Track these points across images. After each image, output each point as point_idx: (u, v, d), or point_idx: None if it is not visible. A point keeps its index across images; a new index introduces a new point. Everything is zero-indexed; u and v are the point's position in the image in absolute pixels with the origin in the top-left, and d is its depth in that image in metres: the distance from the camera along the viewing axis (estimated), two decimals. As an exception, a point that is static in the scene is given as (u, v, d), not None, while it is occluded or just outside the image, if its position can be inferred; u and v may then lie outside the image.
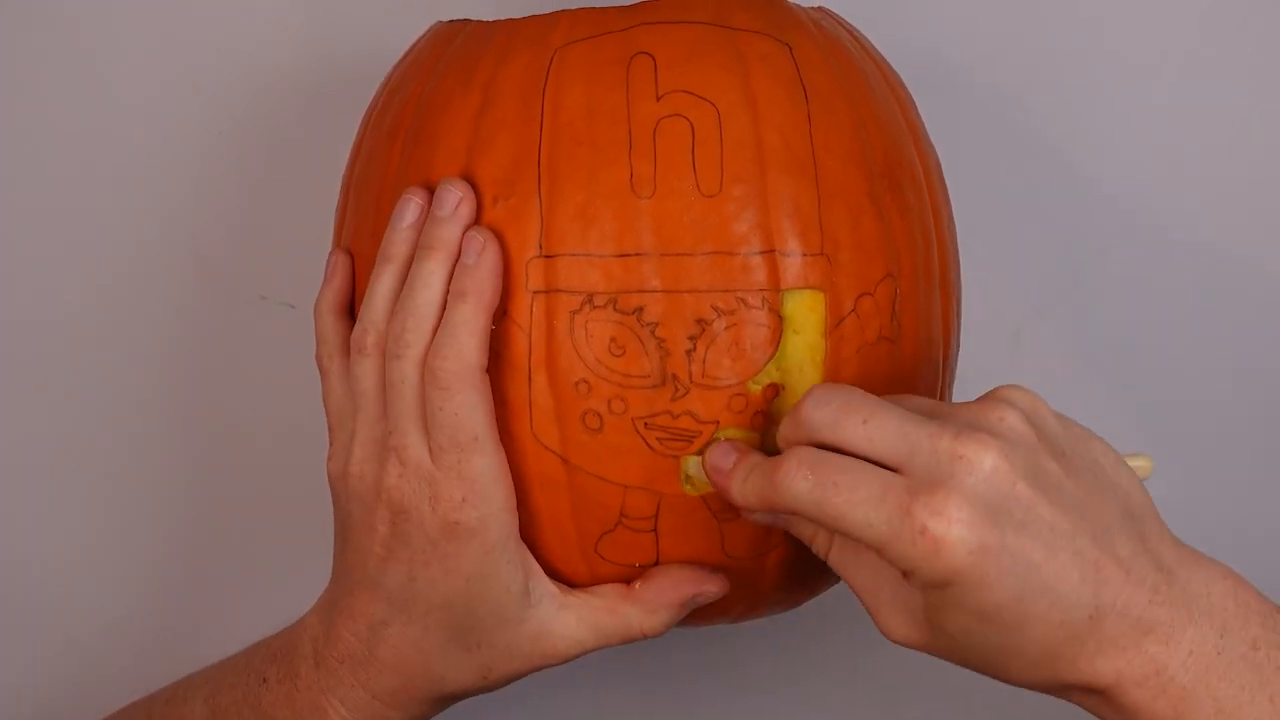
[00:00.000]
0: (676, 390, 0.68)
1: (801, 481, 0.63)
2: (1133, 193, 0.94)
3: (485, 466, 0.69)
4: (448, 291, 0.69)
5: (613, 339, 0.68)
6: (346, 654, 0.74)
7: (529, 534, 0.72)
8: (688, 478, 0.69)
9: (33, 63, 0.92)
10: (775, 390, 0.69)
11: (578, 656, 0.73)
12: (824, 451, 0.64)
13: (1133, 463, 0.67)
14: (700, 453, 0.69)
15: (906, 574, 0.62)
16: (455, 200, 0.69)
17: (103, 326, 0.94)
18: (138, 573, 0.95)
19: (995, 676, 0.66)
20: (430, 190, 0.71)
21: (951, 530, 0.60)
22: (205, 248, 0.93)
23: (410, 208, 0.71)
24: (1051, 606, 0.62)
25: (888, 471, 0.62)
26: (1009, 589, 0.61)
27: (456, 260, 0.69)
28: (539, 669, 0.74)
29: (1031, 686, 0.65)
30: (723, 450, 0.68)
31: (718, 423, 0.68)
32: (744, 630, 0.86)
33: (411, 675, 0.73)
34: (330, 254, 0.76)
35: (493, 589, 0.71)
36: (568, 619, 0.72)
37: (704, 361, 0.68)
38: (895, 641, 0.66)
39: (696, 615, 0.75)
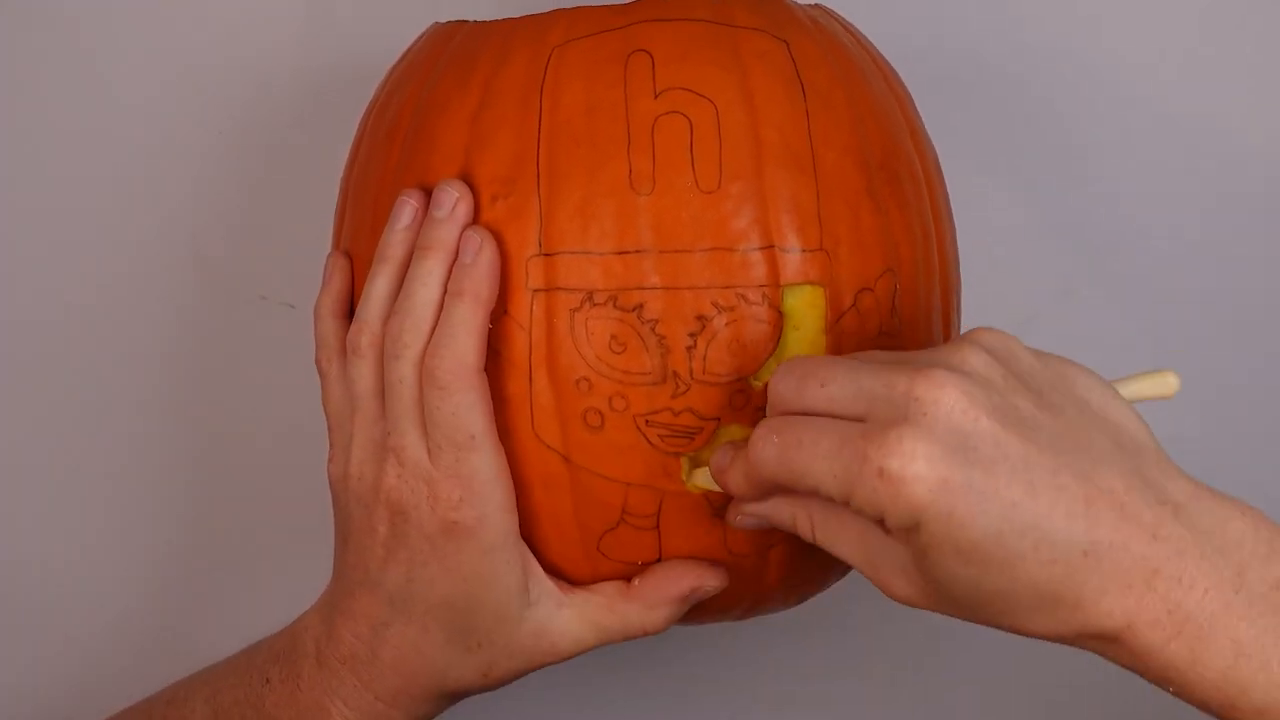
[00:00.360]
0: (677, 387, 0.68)
1: (769, 447, 0.63)
2: (1133, 191, 0.94)
3: (482, 466, 0.69)
4: (445, 292, 0.69)
5: (613, 336, 0.68)
6: (349, 655, 0.74)
7: (530, 533, 0.72)
8: (690, 477, 0.70)
9: (33, 63, 0.92)
10: (776, 386, 0.69)
11: (578, 654, 0.73)
12: (790, 416, 0.63)
13: (1158, 379, 0.65)
14: (694, 453, 0.69)
15: (881, 523, 0.61)
16: (452, 201, 0.69)
17: (103, 326, 0.94)
18: (138, 572, 0.95)
19: (1004, 627, 0.63)
20: (427, 192, 0.71)
21: (908, 467, 0.59)
22: (205, 248, 0.93)
23: (406, 210, 0.71)
24: (1038, 544, 0.59)
25: (844, 424, 0.61)
26: (984, 526, 0.59)
27: (454, 260, 0.69)
28: (540, 667, 0.74)
29: (1044, 636, 0.62)
30: (722, 451, 0.68)
31: (719, 419, 0.68)
32: (746, 629, 0.86)
33: (413, 675, 0.73)
34: (329, 257, 0.76)
35: (491, 589, 0.71)
36: (567, 617, 0.72)
37: (705, 358, 0.68)
38: (899, 601, 0.64)
39: (699, 613, 0.75)
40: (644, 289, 0.67)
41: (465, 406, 0.68)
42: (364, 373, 0.71)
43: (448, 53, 0.74)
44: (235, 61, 0.93)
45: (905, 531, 0.61)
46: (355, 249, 0.75)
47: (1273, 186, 0.95)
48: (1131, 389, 0.66)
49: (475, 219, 0.69)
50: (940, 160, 0.78)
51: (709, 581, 0.72)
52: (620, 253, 0.67)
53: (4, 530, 0.95)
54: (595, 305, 0.67)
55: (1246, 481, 0.96)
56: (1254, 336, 0.96)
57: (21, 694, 0.95)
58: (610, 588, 0.73)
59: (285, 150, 0.93)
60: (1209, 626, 0.60)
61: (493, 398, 0.69)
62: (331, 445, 0.74)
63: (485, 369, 0.69)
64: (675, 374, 0.68)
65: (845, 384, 0.62)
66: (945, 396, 0.59)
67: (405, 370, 0.69)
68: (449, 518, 0.69)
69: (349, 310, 0.75)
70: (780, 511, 0.67)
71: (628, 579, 0.72)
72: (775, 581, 0.74)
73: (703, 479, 0.69)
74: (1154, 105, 0.94)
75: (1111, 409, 0.64)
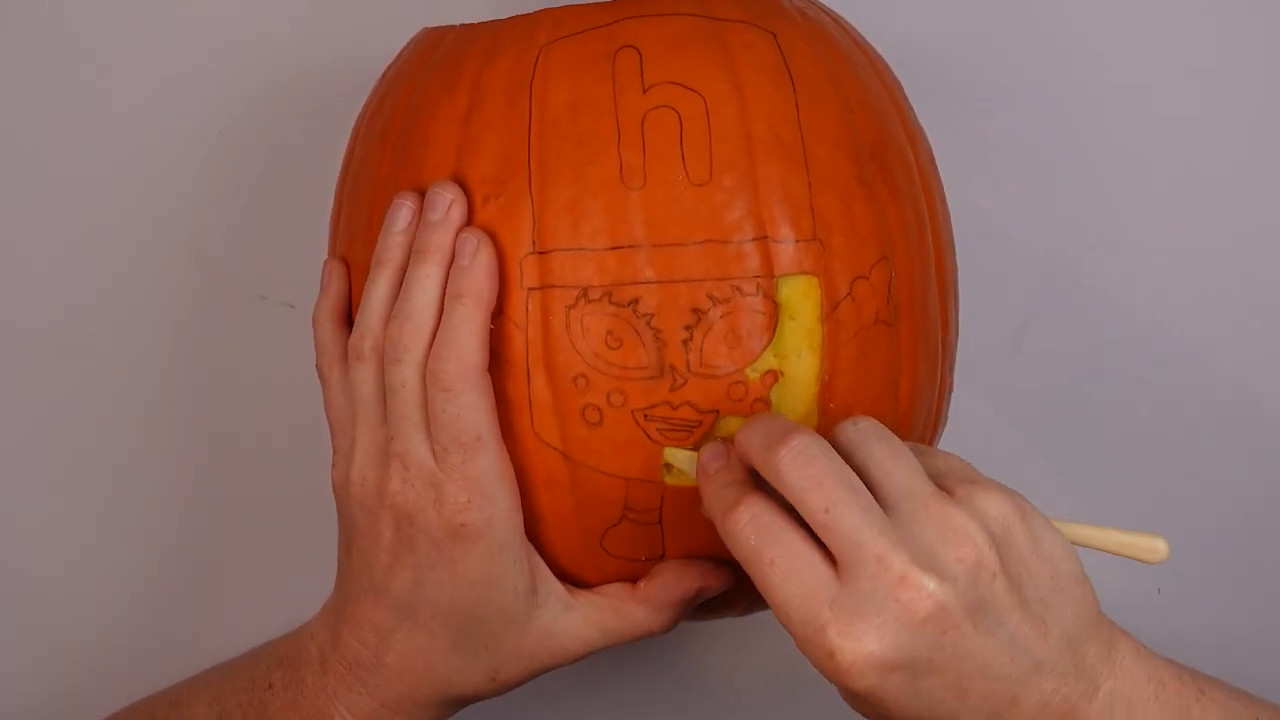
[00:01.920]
0: (675, 381, 0.68)
1: (745, 537, 0.63)
2: (1134, 190, 0.94)
3: (489, 467, 0.69)
4: (444, 294, 0.69)
5: (609, 332, 0.68)
6: (353, 661, 0.74)
7: (533, 532, 0.72)
8: (668, 467, 0.69)
9: (33, 63, 0.92)
10: (774, 377, 0.68)
11: (585, 656, 0.74)
12: (776, 521, 0.63)
13: (1148, 541, 0.66)
14: (693, 446, 0.69)
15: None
16: (446, 203, 0.69)
17: (103, 327, 0.93)
18: (137, 572, 0.95)
19: None
20: (422, 195, 0.71)
21: (855, 666, 0.60)
22: (205, 248, 0.93)
23: (402, 213, 0.71)
24: None
25: (823, 571, 0.62)
26: (911, 712, 0.62)
27: (451, 263, 0.69)
28: (547, 670, 0.74)
29: None
30: (713, 451, 0.67)
31: (717, 412, 0.68)
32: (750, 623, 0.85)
33: (418, 681, 0.73)
34: (325, 263, 0.76)
35: (499, 591, 0.71)
36: (574, 619, 0.72)
37: (701, 351, 0.68)
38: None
39: (704, 610, 0.75)
40: (638, 283, 0.67)
41: (471, 407, 0.68)
42: (366, 378, 0.71)
43: (436, 56, 0.74)
44: (235, 62, 0.92)
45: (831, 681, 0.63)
46: (351, 254, 0.75)
47: (1275, 185, 0.94)
48: (1117, 541, 0.66)
49: (469, 220, 0.69)
50: (938, 158, 0.78)
51: (713, 582, 0.72)
52: (614, 248, 0.67)
53: (3, 530, 0.95)
54: (590, 301, 0.67)
55: (1246, 478, 0.96)
56: (1256, 335, 0.95)
57: (22, 696, 0.95)
58: (616, 589, 0.73)
59: (285, 150, 0.93)
60: None
61: (494, 399, 0.69)
62: (334, 451, 0.74)
63: None
64: (672, 367, 0.68)
65: (845, 522, 0.62)
66: (925, 606, 0.61)
67: (407, 374, 0.69)
68: (456, 520, 0.69)
69: (348, 316, 0.75)
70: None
71: (633, 576, 0.73)
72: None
73: (680, 460, 0.69)
74: (1156, 102, 0.94)
75: (1077, 590, 0.65)
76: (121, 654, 0.94)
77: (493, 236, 0.69)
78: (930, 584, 0.60)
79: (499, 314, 0.69)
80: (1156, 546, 0.66)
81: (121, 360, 0.94)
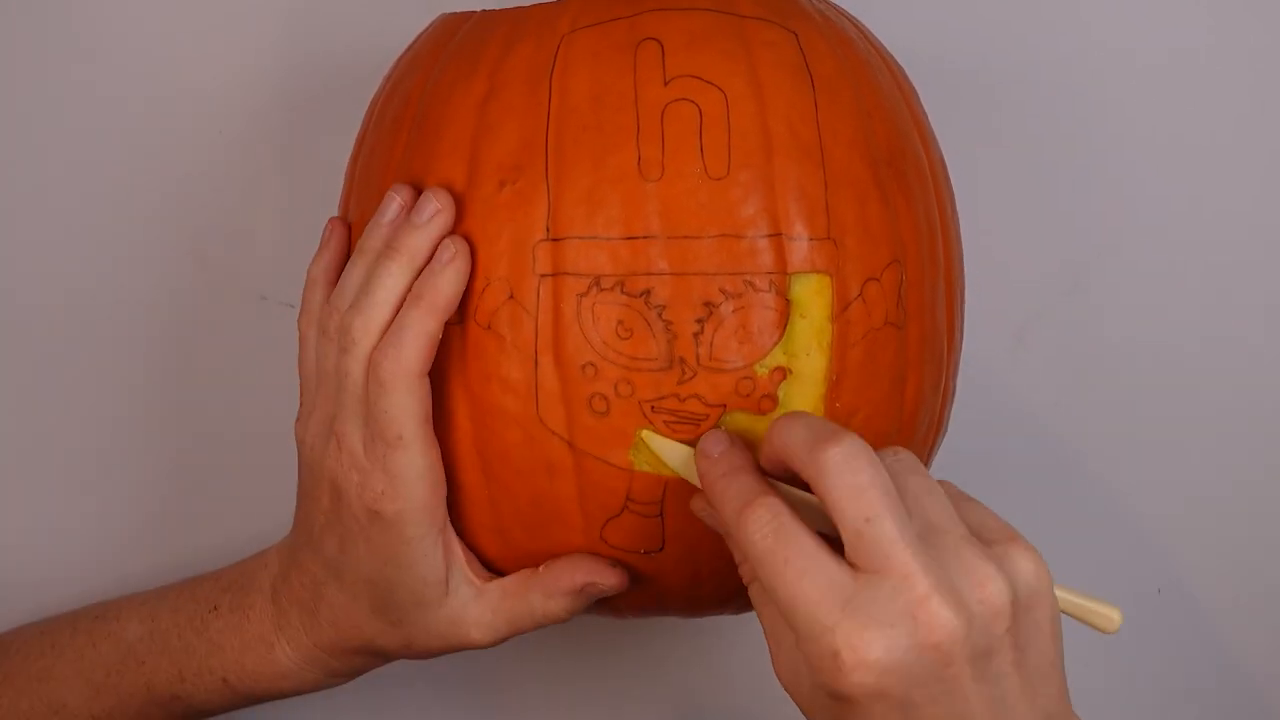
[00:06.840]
0: (684, 373, 0.68)
1: (760, 538, 0.62)
2: (1136, 191, 0.95)
3: (407, 465, 0.70)
4: (405, 294, 0.70)
5: (620, 321, 0.68)
6: (296, 600, 0.78)
7: (533, 519, 0.72)
8: (637, 448, 0.69)
9: (33, 63, 0.92)
10: (782, 374, 0.69)
11: (496, 643, 0.75)
12: (795, 526, 0.62)
13: (1105, 610, 0.65)
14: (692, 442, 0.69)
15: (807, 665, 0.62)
16: (433, 211, 0.70)
17: (103, 327, 0.93)
18: (136, 572, 0.94)
19: None
20: (419, 191, 0.71)
21: (856, 672, 0.59)
22: (205, 248, 0.93)
23: (393, 206, 0.72)
24: None
25: (839, 573, 0.61)
26: None
27: (418, 267, 0.70)
28: (460, 650, 0.76)
29: None
30: (715, 438, 0.67)
31: (725, 406, 0.68)
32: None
33: (345, 633, 0.77)
34: (331, 220, 0.77)
35: (410, 575, 0.73)
36: (481, 609, 0.74)
37: (711, 344, 0.68)
38: (780, 683, 0.65)
39: (699, 606, 0.75)
40: (651, 274, 0.67)
41: (399, 407, 0.69)
42: (328, 353, 0.73)
43: (455, 41, 0.74)
44: (235, 61, 0.93)
45: (818, 688, 0.62)
46: (357, 234, 0.75)
47: (1276, 183, 0.95)
48: (1075, 604, 0.66)
49: (482, 206, 0.69)
50: (945, 157, 0.78)
51: (606, 580, 0.73)
52: (628, 238, 0.68)
53: (5, 530, 0.94)
54: (602, 290, 0.68)
55: (1246, 478, 0.96)
56: (1256, 335, 0.96)
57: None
58: (520, 574, 0.74)
59: (285, 150, 0.93)
60: None
61: (498, 382, 0.69)
62: (300, 404, 0.76)
63: (490, 353, 0.69)
64: (682, 360, 0.68)
65: (882, 534, 0.61)
66: (939, 634, 0.60)
67: (353, 365, 0.71)
68: (372, 507, 0.72)
69: (338, 279, 0.75)
70: (735, 547, 0.67)
71: (537, 566, 0.74)
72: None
73: (664, 450, 0.69)
74: (1160, 103, 0.94)
75: (1060, 674, 0.64)
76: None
77: (507, 222, 0.69)
78: (948, 612, 0.60)
79: (509, 299, 0.69)
80: (1112, 616, 0.65)
81: (121, 359, 0.94)
